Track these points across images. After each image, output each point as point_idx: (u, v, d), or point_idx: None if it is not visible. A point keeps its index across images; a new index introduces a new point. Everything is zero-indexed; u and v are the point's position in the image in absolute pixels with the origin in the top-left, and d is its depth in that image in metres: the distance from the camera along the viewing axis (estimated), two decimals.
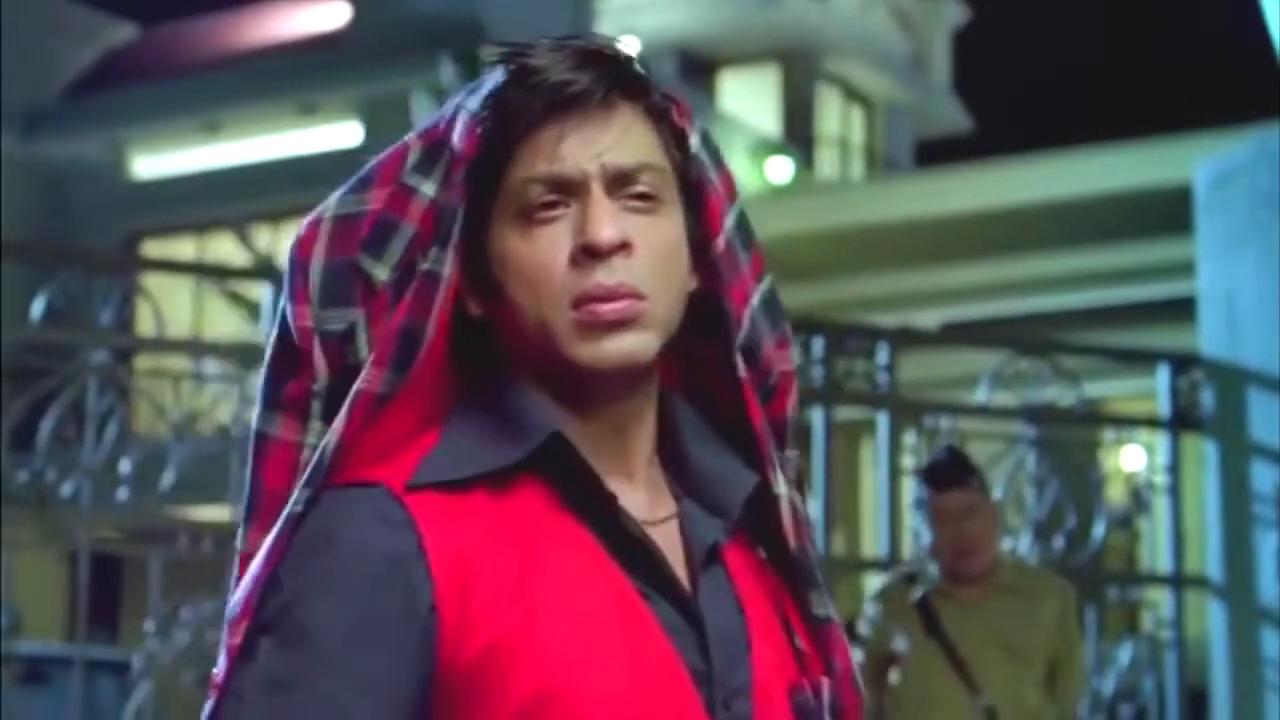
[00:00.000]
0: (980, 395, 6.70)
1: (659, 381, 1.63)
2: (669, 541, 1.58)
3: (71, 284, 5.54)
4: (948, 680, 5.00)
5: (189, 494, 5.75)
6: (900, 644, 5.10)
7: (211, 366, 5.97)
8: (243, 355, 5.88)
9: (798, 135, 23.39)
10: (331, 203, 1.63)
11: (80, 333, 5.70)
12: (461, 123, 1.59)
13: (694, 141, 1.64)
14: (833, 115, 24.56)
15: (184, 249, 20.88)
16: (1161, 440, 6.77)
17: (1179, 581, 6.62)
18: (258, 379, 1.64)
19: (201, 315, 16.46)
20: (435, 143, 1.61)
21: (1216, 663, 6.41)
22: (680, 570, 1.57)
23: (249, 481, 1.62)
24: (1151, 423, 6.90)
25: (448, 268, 1.56)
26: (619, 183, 1.56)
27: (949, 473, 5.23)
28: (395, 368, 1.55)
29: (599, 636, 1.50)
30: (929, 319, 19.34)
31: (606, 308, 1.52)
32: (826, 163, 24.20)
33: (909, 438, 6.47)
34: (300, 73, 20.08)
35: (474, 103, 1.59)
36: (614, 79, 1.58)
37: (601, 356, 1.54)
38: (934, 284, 18.99)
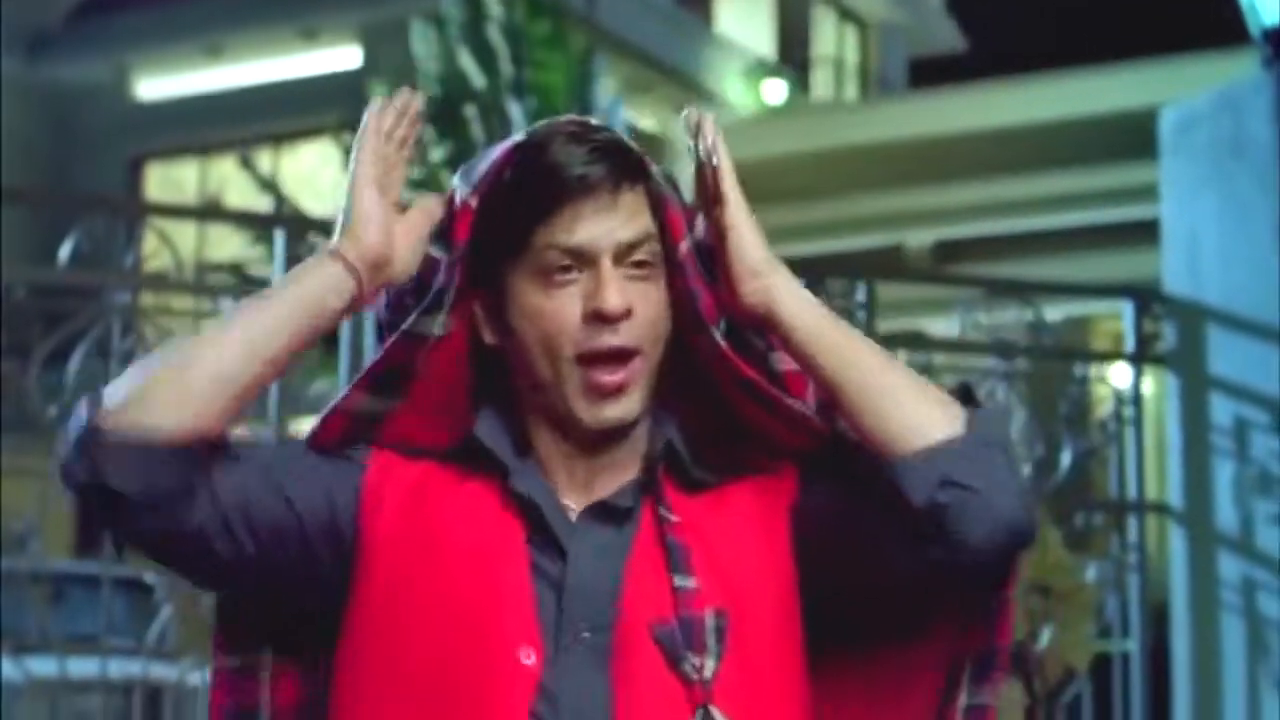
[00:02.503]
0: (954, 329, 7.01)
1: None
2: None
3: (95, 228, 5.85)
4: None
5: None
6: None
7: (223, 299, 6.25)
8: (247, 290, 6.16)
9: (792, 57, 23.52)
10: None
11: (102, 274, 6.00)
12: (459, 210, 1.98)
13: (656, 171, 1.99)
14: (827, 36, 24.67)
15: (187, 172, 21.04)
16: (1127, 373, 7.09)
17: (1142, 508, 6.94)
18: None
19: (204, 239, 16.71)
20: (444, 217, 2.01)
21: (1176, 584, 6.74)
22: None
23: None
24: (1115, 356, 7.23)
25: (439, 328, 1.96)
26: (624, 254, 1.93)
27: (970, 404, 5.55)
28: (373, 393, 1.99)
29: (475, 567, 1.90)
30: (922, 238, 19.55)
31: (608, 378, 1.91)
32: (821, 84, 24.33)
33: None
34: None
35: (466, 191, 1.99)
36: (622, 170, 1.94)
37: (600, 419, 1.93)
38: (927, 204, 19.16)
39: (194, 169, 21.06)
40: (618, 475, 2.00)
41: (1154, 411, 6.96)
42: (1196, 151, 6.65)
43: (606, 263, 1.92)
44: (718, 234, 1.99)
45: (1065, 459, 6.89)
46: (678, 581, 1.93)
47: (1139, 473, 6.92)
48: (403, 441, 1.98)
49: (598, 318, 1.91)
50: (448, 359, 1.99)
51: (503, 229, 1.95)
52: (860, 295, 6.67)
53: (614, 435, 1.97)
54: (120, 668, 6.25)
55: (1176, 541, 6.77)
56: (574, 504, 1.98)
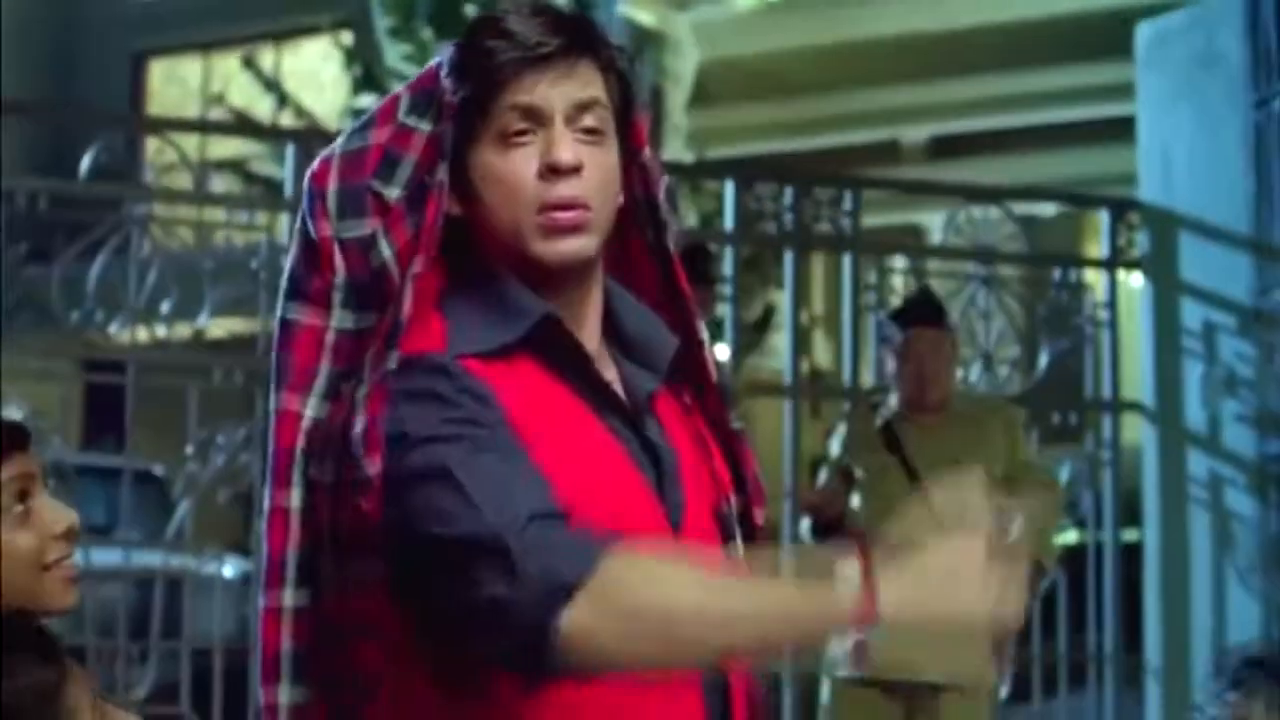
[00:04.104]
0: (936, 237, 7.30)
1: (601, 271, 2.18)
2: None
3: (114, 142, 6.14)
4: (905, 494, 5.65)
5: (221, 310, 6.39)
6: (859, 469, 5.74)
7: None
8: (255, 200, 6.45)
9: None
10: (338, 143, 2.17)
11: (120, 186, 6.28)
12: (449, 73, 2.13)
13: (626, 67, 2.18)
14: None
15: (190, 69, 21.14)
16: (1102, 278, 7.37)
17: (1116, 406, 7.24)
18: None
19: (207, 137, 16.83)
20: (423, 90, 2.15)
21: (1148, 480, 7.05)
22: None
23: (278, 358, 2.13)
24: (1092, 262, 7.52)
25: (441, 175, 2.11)
26: (575, 116, 2.10)
27: (922, 311, 5.83)
28: (427, 253, 2.10)
29: (588, 465, 2.04)
30: (917, 133, 19.72)
31: (563, 216, 2.08)
32: None
33: (870, 276, 7.07)
34: None
35: (460, 57, 2.13)
36: (577, 41, 2.12)
37: (557, 253, 2.09)
38: (923, 99, 19.28)
39: (197, 66, 21.14)
40: (601, 350, 2.17)
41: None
42: (1170, 66, 6.91)
43: (559, 122, 2.10)
44: None
45: (1043, 360, 7.20)
46: (714, 467, 2.19)
47: (1114, 373, 7.22)
48: (470, 348, 2.07)
49: (551, 170, 2.09)
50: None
51: (467, 97, 2.12)
52: (847, 203, 6.93)
53: (572, 278, 2.12)
54: (139, 558, 6.52)
55: (1148, 439, 7.07)
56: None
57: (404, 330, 2.04)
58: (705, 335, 2.23)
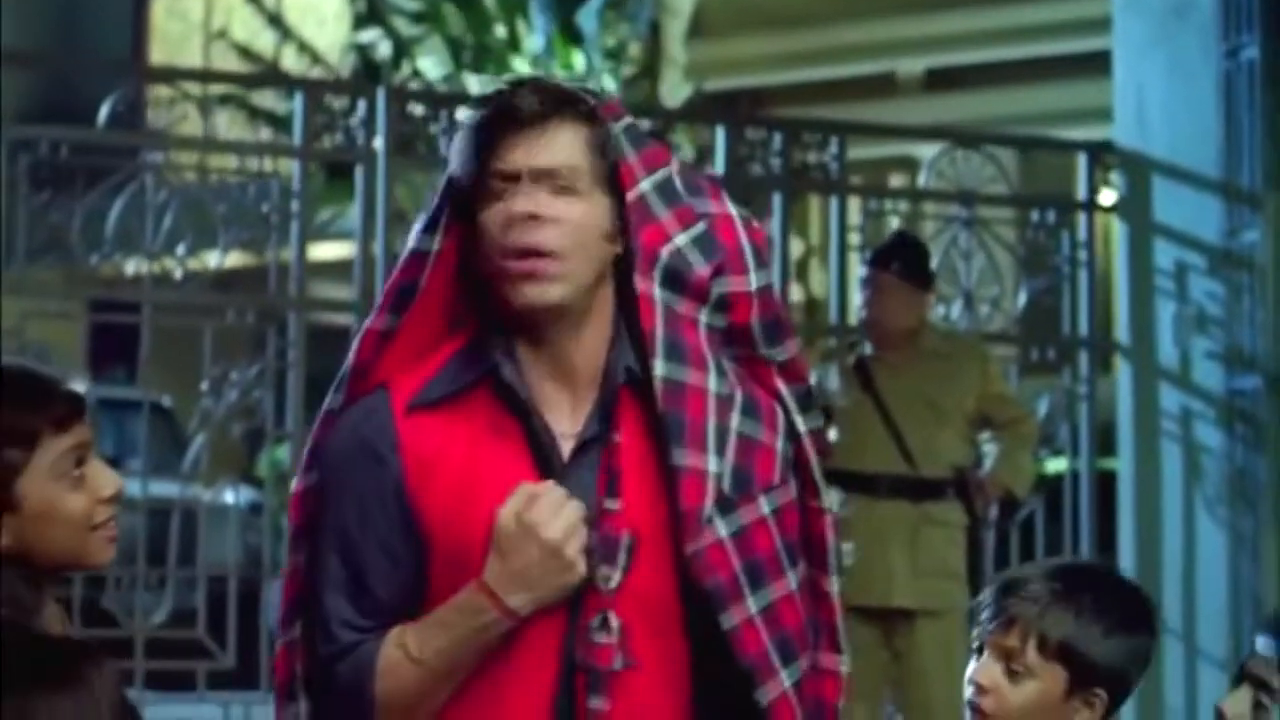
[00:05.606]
0: (922, 180, 7.54)
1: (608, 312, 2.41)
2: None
3: (129, 92, 6.39)
4: (877, 429, 5.92)
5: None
6: (837, 399, 6.01)
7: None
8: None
9: None
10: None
11: (137, 135, 6.54)
12: (449, 153, 2.46)
13: (615, 128, 2.43)
14: None
15: (192, 2, 21.19)
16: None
17: (1093, 344, 7.52)
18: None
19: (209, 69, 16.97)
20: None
21: (1122, 413, 7.33)
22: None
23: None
24: (1070, 204, 7.77)
25: (435, 244, 2.42)
26: (544, 177, 2.36)
27: (889, 255, 6.08)
28: (392, 312, 2.42)
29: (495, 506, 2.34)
30: (913, 65, 19.86)
31: (515, 265, 2.33)
32: None
33: (855, 218, 7.33)
34: None
35: (458, 139, 2.43)
36: (549, 102, 2.38)
37: (519, 299, 2.34)
38: (920, 32, 19.40)
39: (199, 0, 21.20)
40: (586, 392, 2.41)
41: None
42: (1145, 13, 7.16)
43: (526, 179, 2.33)
44: None
45: (1022, 298, 7.47)
46: (607, 504, 2.36)
47: (1090, 311, 7.49)
48: (424, 397, 2.39)
49: (508, 220, 2.33)
50: (443, 278, 2.43)
51: (464, 168, 2.40)
52: (834, 147, 7.18)
53: (550, 322, 2.36)
54: (155, 488, 6.75)
55: (1123, 375, 7.35)
56: (563, 418, 2.41)
57: (354, 374, 2.43)
58: (661, 371, 2.40)
